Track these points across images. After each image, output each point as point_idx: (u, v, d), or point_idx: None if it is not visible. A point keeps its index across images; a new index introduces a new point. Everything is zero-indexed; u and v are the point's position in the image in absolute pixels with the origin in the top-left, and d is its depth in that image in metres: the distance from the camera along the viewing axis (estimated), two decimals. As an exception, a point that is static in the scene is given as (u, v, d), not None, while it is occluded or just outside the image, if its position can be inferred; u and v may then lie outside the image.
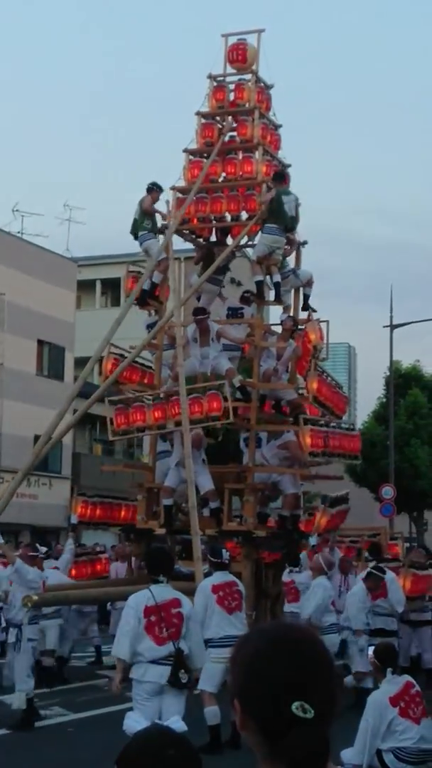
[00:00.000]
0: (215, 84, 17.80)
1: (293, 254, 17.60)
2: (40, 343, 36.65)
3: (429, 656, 15.19)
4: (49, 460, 37.07)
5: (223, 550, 10.85)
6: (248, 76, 17.78)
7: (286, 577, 14.43)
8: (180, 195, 17.23)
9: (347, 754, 7.35)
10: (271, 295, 17.49)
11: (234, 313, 17.05)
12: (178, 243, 17.82)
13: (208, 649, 9.82)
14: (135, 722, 1.91)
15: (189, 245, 19.01)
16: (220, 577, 10.48)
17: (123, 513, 17.57)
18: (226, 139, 17.59)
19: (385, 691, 7.54)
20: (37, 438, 35.56)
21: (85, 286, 44.43)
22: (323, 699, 1.79)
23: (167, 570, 8.59)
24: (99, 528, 19.36)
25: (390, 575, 13.67)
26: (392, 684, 7.60)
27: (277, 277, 16.57)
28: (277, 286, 16.60)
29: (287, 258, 17.25)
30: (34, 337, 35.51)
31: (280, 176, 16.81)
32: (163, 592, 8.33)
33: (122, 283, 17.26)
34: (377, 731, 7.37)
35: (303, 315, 17.42)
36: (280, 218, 16.20)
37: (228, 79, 17.90)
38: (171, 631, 8.24)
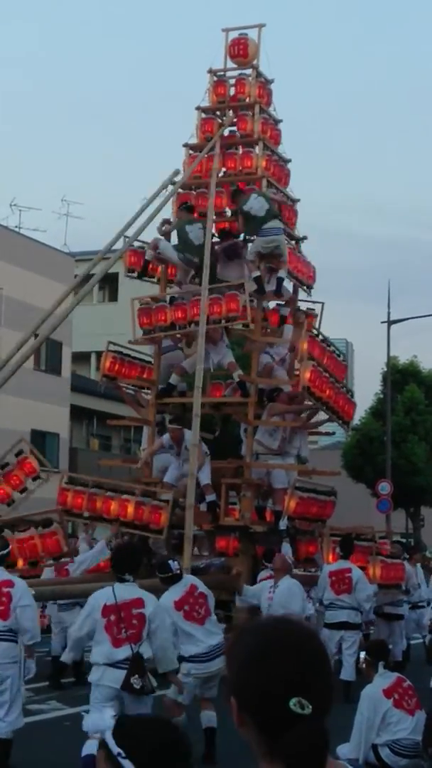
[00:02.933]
0: (216, 79, 17.79)
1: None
2: (37, 337, 36.58)
3: (398, 649, 15.45)
4: (46, 454, 37.10)
5: (170, 562, 9.80)
6: (249, 71, 17.77)
7: (263, 574, 14.46)
8: (181, 190, 17.22)
9: (344, 749, 7.38)
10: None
11: (230, 248, 17.02)
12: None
13: (188, 665, 9.25)
14: (98, 720, 1.80)
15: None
16: (177, 591, 9.40)
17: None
18: (226, 133, 17.60)
19: (379, 684, 7.58)
20: (34, 433, 35.85)
21: (82, 281, 44.38)
22: (320, 694, 1.78)
23: (134, 568, 8.06)
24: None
25: (357, 572, 13.89)
26: (385, 678, 7.65)
27: (283, 273, 16.52)
28: (279, 281, 16.55)
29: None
30: (31, 332, 35.48)
31: (237, 193, 16.39)
32: (125, 590, 7.81)
33: (122, 278, 17.14)
34: (372, 724, 7.40)
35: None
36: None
37: (228, 73, 17.88)
38: (131, 633, 7.70)
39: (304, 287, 17.61)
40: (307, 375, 15.25)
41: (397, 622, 16.04)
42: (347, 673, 12.98)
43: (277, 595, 11.68)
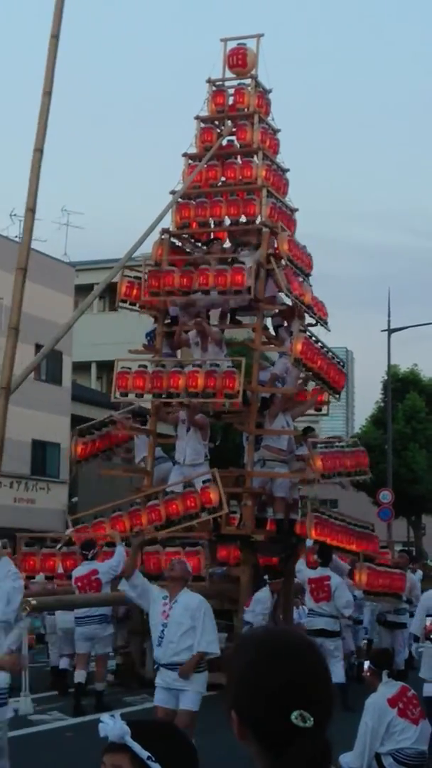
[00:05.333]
0: (214, 88, 17.84)
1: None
2: (38, 347, 36.49)
3: (401, 658, 15.42)
4: (47, 464, 37.10)
5: None
6: (248, 81, 17.82)
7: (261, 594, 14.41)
8: (180, 200, 17.26)
9: (346, 758, 7.34)
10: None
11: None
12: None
13: None
14: (117, 725, 1.76)
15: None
16: None
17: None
18: (224, 143, 17.63)
19: (383, 693, 7.53)
20: (34, 442, 35.77)
21: (83, 291, 44.39)
22: (321, 706, 1.76)
23: None
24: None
25: (337, 580, 13.91)
26: (389, 686, 7.60)
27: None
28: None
29: None
30: (31, 342, 35.51)
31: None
32: None
33: (117, 288, 17.07)
34: (376, 734, 7.35)
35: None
36: None
37: (227, 83, 17.93)
38: None
39: (303, 277, 17.48)
40: (299, 347, 15.33)
41: (400, 630, 16.02)
42: (337, 677, 12.90)
43: (176, 613, 8.75)
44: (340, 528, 15.61)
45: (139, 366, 16.40)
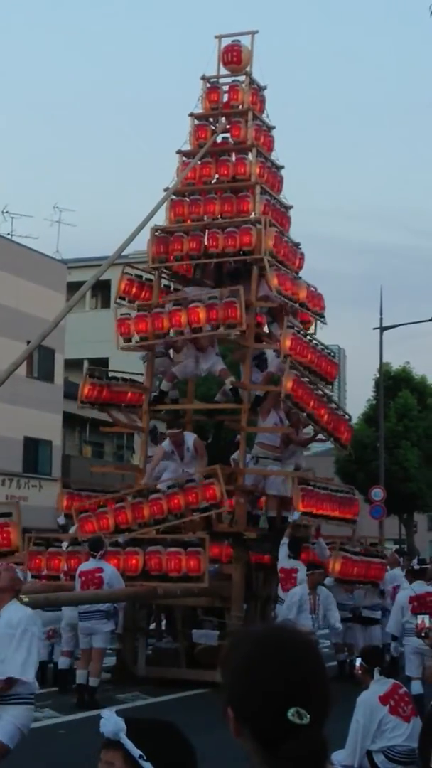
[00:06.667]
0: (209, 85, 17.83)
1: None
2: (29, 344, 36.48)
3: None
4: (39, 461, 37.06)
5: None
6: (242, 78, 17.81)
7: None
8: (174, 197, 17.24)
9: (338, 756, 7.34)
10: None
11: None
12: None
13: None
14: (116, 722, 1.75)
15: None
16: None
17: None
18: (219, 140, 17.62)
19: (375, 690, 7.54)
20: (26, 440, 35.77)
21: (75, 288, 44.26)
22: (318, 703, 1.75)
23: None
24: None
25: (303, 572, 14.07)
26: (381, 684, 7.62)
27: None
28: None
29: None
30: (23, 339, 35.50)
31: None
32: None
33: (114, 285, 17.01)
34: (368, 731, 7.37)
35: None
36: None
37: (221, 80, 17.93)
38: None
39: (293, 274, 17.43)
40: (287, 343, 15.31)
41: (374, 626, 16.05)
42: None
43: None
44: (325, 496, 15.88)
45: (139, 310, 16.34)
